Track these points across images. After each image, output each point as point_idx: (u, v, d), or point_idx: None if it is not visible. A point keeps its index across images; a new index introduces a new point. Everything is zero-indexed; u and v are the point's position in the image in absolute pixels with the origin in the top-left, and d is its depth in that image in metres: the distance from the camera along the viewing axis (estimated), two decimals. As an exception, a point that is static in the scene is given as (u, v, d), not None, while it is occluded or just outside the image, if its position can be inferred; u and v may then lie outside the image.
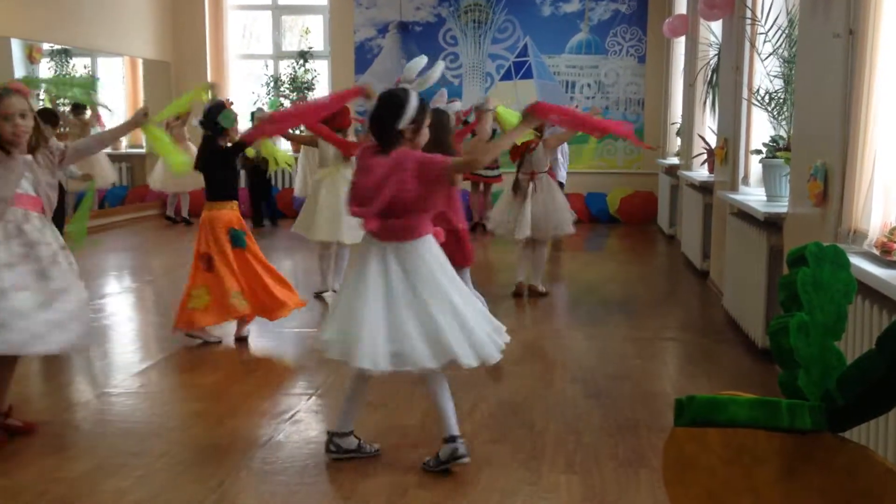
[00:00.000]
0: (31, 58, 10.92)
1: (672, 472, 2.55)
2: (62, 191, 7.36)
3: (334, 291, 6.91)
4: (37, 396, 4.74)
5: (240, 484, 3.48)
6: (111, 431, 4.09)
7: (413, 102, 3.48)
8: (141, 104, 12.49)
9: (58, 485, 3.45)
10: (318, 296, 6.96)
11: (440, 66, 3.90)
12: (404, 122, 3.46)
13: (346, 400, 3.76)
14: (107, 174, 10.96)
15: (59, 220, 7.43)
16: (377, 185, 3.40)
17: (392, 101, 3.49)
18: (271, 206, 12.17)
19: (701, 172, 8.46)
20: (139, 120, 4.36)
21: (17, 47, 10.68)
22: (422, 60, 3.82)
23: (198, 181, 6.63)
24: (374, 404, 4.36)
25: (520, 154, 6.90)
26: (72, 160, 4.13)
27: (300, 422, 4.22)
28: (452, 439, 3.58)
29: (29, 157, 3.82)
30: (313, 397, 4.60)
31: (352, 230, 6.41)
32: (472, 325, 3.49)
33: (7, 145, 3.75)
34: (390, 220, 3.44)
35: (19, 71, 10.81)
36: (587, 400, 4.54)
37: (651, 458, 3.69)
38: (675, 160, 10.67)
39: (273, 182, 12.57)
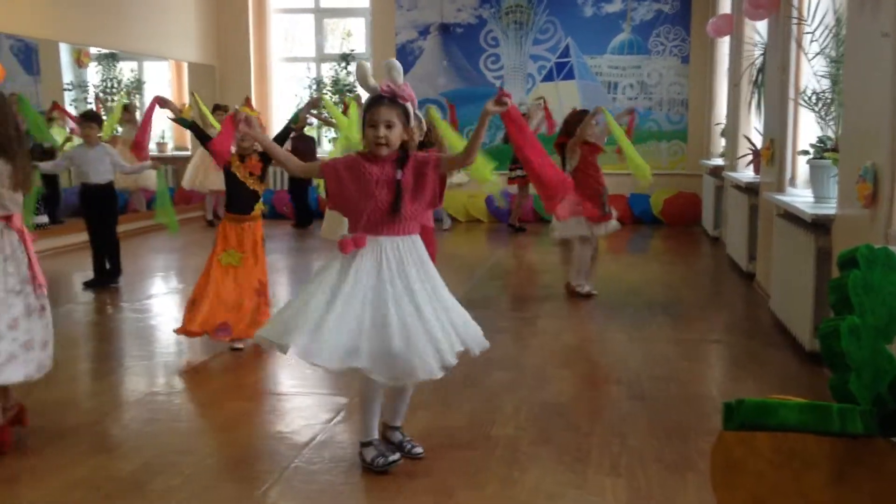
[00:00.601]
0: (80, 62, 11.12)
1: (720, 476, 2.53)
2: (112, 188, 7.51)
3: None
4: (85, 396, 4.82)
5: (285, 483, 3.51)
6: (159, 430, 4.15)
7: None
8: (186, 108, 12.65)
9: (108, 482, 3.51)
10: None
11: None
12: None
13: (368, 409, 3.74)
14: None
15: (111, 218, 7.55)
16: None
17: None
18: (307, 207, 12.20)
19: (746, 173, 8.38)
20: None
21: (65, 51, 10.88)
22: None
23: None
24: (418, 406, 4.38)
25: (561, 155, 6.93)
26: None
27: (344, 422, 4.24)
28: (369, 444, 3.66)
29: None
30: (356, 397, 4.60)
31: None
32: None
33: None
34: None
35: (67, 75, 11.01)
36: (632, 402, 4.52)
37: (697, 462, 3.67)
38: (719, 161, 10.57)
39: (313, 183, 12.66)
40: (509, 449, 3.83)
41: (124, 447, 3.94)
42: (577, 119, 7.03)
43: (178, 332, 5.45)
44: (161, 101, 5.53)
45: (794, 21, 5.99)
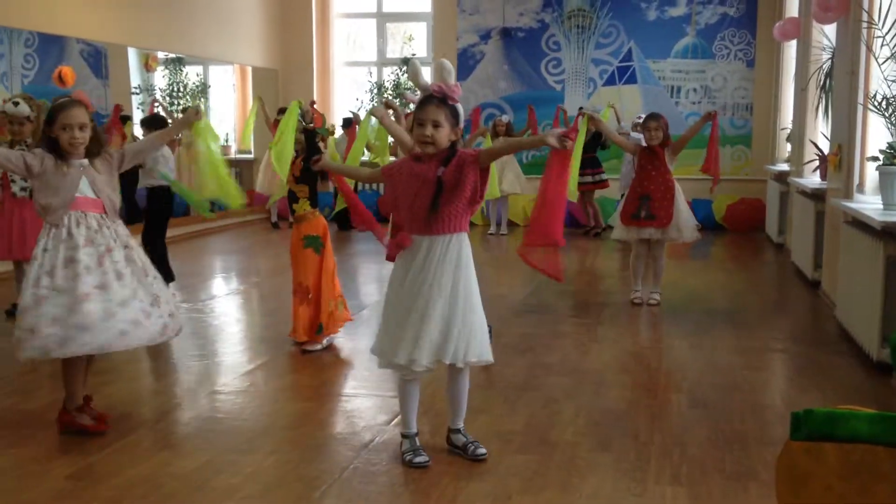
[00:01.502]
0: (147, 66, 11.35)
1: (786, 487, 2.48)
2: (168, 192, 7.56)
3: None
4: (148, 394, 4.91)
5: (344, 484, 3.53)
6: (221, 429, 4.20)
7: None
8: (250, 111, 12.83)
9: (171, 479, 3.56)
10: None
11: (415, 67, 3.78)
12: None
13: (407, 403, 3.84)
14: None
15: (163, 221, 7.57)
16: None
17: None
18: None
19: (813, 179, 8.23)
20: (190, 118, 4.39)
21: (133, 56, 11.11)
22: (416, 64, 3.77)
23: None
24: (478, 409, 4.38)
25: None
26: (131, 163, 4.30)
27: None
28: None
29: (85, 161, 4.00)
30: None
31: None
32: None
33: (64, 153, 3.96)
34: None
35: (135, 78, 11.24)
36: (693, 410, 4.46)
37: (760, 472, 3.60)
38: (784, 166, 10.39)
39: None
40: (568, 455, 3.81)
41: (186, 445, 4.00)
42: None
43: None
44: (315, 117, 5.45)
45: (865, 24, 5.86)
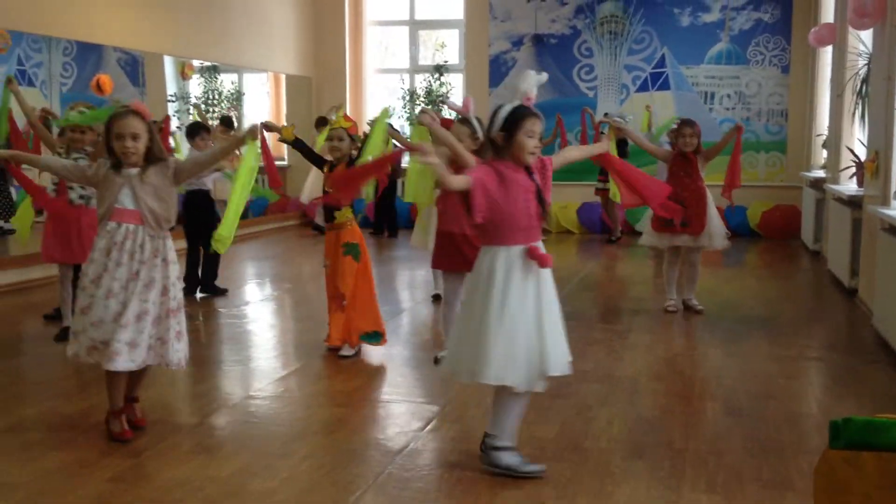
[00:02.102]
0: (183, 74, 11.47)
1: (824, 496, 2.47)
2: (209, 200, 7.65)
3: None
4: (186, 398, 4.97)
5: (379, 489, 3.55)
6: (257, 434, 4.24)
7: (501, 112, 3.65)
8: (283, 118, 12.92)
9: (209, 483, 3.60)
10: (436, 298, 7.26)
11: (529, 78, 3.84)
12: (494, 130, 3.62)
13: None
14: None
15: (208, 230, 7.59)
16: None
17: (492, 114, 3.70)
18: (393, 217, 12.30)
19: (849, 186, 8.15)
20: (253, 133, 4.33)
21: (169, 64, 11.23)
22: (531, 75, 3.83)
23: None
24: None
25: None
26: (188, 176, 4.32)
27: (436, 430, 4.27)
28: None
29: (134, 171, 4.00)
30: (448, 406, 4.65)
31: None
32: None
33: (119, 162, 4.00)
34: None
35: (171, 86, 11.37)
36: (728, 418, 4.43)
37: (797, 481, 3.58)
38: (820, 173, 10.30)
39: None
40: (601, 462, 3.80)
41: (223, 449, 4.04)
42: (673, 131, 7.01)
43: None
44: (266, 127, 5.50)
45: (902, 30, 5.81)
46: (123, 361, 3.93)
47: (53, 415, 4.49)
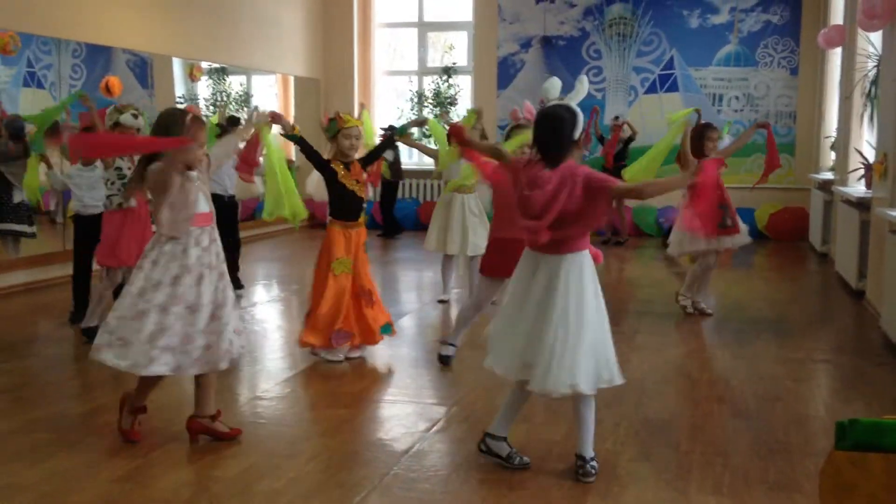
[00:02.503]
0: (192, 76, 11.49)
1: (830, 498, 2.46)
2: (233, 200, 7.62)
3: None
4: (192, 399, 4.96)
5: (384, 490, 3.55)
6: (263, 434, 4.25)
7: (580, 115, 3.65)
8: (292, 120, 12.93)
9: (215, 483, 3.61)
10: (442, 302, 7.46)
11: (585, 83, 3.90)
12: (578, 133, 3.62)
13: (504, 405, 3.85)
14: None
15: (231, 228, 7.54)
16: (549, 197, 3.48)
17: (562, 116, 3.62)
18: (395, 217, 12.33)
19: (858, 188, 8.13)
20: (261, 119, 4.34)
21: (178, 66, 11.26)
22: (556, 82, 3.88)
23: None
24: (519, 418, 4.38)
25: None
26: (217, 168, 4.27)
27: (442, 431, 4.27)
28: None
29: (195, 173, 3.91)
30: (455, 407, 4.65)
31: (476, 243, 6.98)
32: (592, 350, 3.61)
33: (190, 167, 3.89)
34: (557, 232, 3.52)
35: (180, 88, 11.39)
36: (735, 421, 4.42)
37: (803, 484, 3.57)
38: (829, 175, 10.28)
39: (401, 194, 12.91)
40: (609, 464, 3.79)
41: (230, 449, 4.04)
42: (697, 133, 6.82)
43: (301, 344, 5.54)
44: (274, 117, 5.45)
45: (911, 31, 5.80)
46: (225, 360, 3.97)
47: (62, 416, 4.50)
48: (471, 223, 7.14)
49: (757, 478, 3.66)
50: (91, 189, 6.28)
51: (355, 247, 5.51)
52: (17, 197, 7.62)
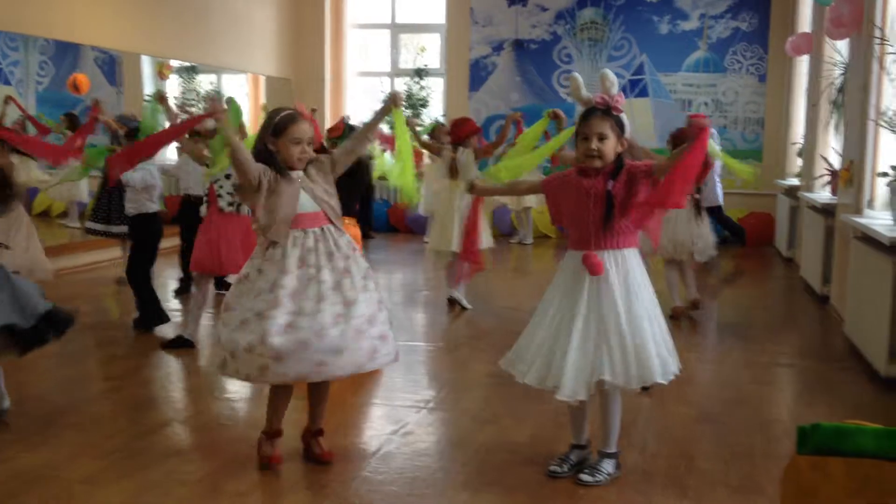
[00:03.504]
0: (161, 74, 11.41)
1: (791, 502, 2.49)
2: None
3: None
4: (159, 400, 4.94)
5: (352, 493, 3.55)
6: (230, 436, 4.23)
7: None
8: (261, 121, 12.86)
9: (180, 486, 3.59)
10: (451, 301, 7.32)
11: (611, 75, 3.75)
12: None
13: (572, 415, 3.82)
14: None
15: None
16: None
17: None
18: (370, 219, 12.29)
19: (823, 194, 8.23)
20: (395, 101, 4.03)
21: (147, 64, 11.18)
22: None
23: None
24: (486, 420, 4.40)
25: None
26: (345, 163, 3.90)
27: (411, 434, 4.27)
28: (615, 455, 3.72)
29: (301, 172, 3.74)
30: (424, 410, 4.65)
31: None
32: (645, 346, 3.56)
33: (285, 167, 3.72)
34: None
35: (149, 86, 11.30)
36: (700, 424, 4.46)
37: (766, 487, 3.61)
38: (795, 181, 10.39)
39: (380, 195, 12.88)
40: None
41: (196, 452, 4.02)
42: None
43: None
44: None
45: (877, 40, 5.87)
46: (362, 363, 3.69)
47: (24, 416, 4.45)
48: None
49: (720, 481, 3.69)
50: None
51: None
52: None
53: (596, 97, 3.54)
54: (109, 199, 7.80)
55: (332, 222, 3.76)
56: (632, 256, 3.60)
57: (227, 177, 5.65)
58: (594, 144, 3.47)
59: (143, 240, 6.33)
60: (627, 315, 3.52)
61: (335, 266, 3.68)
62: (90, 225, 7.96)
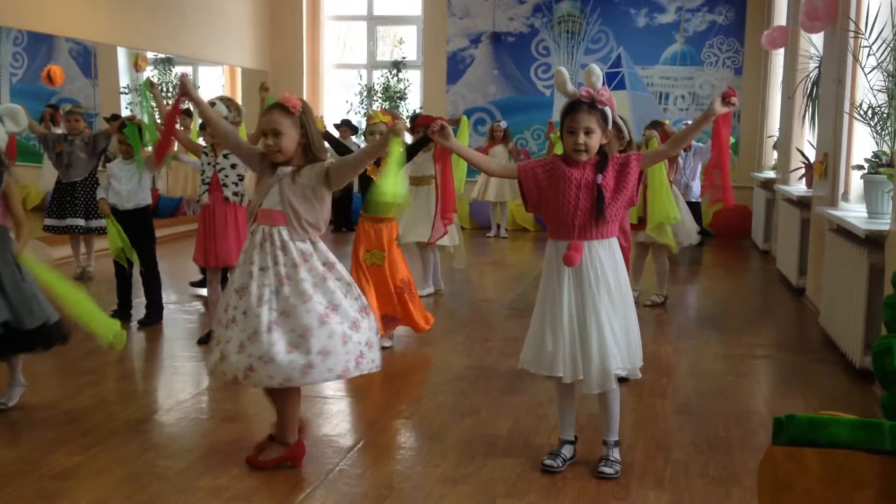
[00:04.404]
0: (137, 66, 11.27)
1: (767, 493, 2.51)
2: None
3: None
4: (136, 394, 4.92)
5: (330, 486, 3.54)
6: (207, 430, 4.21)
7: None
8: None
9: (157, 480, 3.57)
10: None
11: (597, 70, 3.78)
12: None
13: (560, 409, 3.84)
14: None
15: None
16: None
17: None
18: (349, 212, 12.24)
19: (798, 187, 8.29)
20: (395, 131, 3.64)
21: (122, 55, 11.08)
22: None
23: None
24: (463, 412, 4.41)
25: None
26: (342, 180, 3.68)
27: (387, 429, 4.28)
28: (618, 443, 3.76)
29: (288, 169, 3.60)
30: (403, 404, 4.65)
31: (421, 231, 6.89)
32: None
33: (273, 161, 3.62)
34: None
35: (124, 78, 11.21)
36: (677, 416, 4.48)
37: (743, 477, 3.63)
38: (771, 174, 10.46)
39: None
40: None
41: (172, 446, 4.00)
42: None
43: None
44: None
45: (851, 34, 5.91)
46: (325, 373, 3.53)
47: (-1, 411, 4.42)
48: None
49: (697, 472, 3.71)
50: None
51: (388, 241, 5.55)
52: None
53: (581, 91, 3.56)
54: (62, 193, 7.77)
55: (289, 226, 3.58)
56: (615, 245, 3.64)
57: (234, 166, 5.61)
58: (581, 139, 3.48)
59: (144, 233, 6.30)
60: (622, 305, 3.59)
61: (277, 271, 3.55)
62: (48, 222, 7.89)
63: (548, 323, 3.61)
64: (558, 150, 5.14)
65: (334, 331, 3.51)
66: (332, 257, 3.66)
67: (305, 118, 3.59)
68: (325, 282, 3.57)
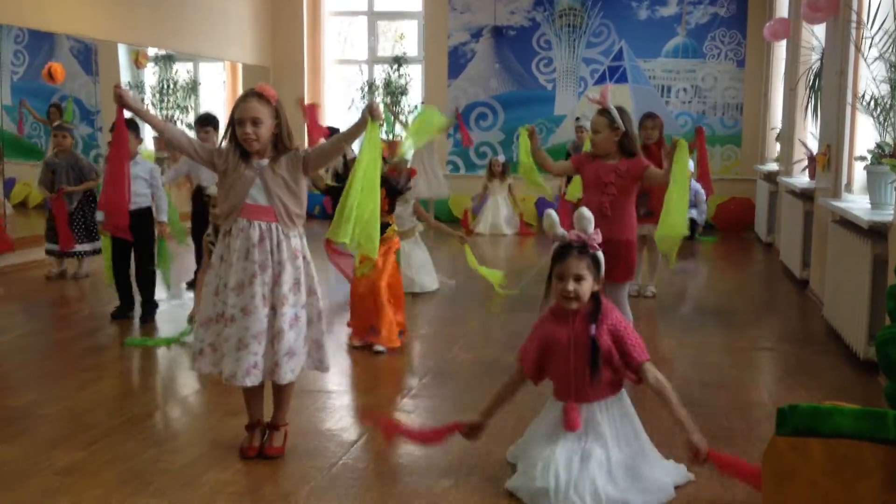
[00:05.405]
0: (137, 62, 11.31)
1: (771, 483, 2.50)
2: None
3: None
4: (138, 390, 4.92)
5: (333, 480, 3.54)
6: (210, 425, 4.21)
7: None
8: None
9: (160, 475, 3.56)
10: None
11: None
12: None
13: None
14: None
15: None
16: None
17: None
18: None
19: (801, 179, 8.27)
20: (373, 113, 3.59)
21: (123, 52, 11.07)
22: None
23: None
24: (466, 406, 4.40)
25: None
26: (318, 166, 3.75)
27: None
28: None
29: (264, 162, 3.60)
30: (406, 398, 4.65)
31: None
32: None
33: (245, 152, 3.60)
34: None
35: (125, 75, 11.20)
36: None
37: (747, 469, 3.62)
38: (774, 166, 10.44)
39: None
40: (556, 452, 3.81)
41: (175, 441, 4.00)
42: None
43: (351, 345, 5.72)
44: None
45: (853, 25, 5.89)
46: (288, 373, 3.65)
47: (1, 407, 4.42)
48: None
49: (701, 464, 3.70)
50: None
51: (384, 252, 5.55)
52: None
53: (571, 234, 3.34)
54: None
55: (279, 221, 3.60)
56: (624, 399, 3.48)
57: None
58: (571, 286, 3.27)
59: (144, 233, 6.30)
60: (631, 458, 3.39)
61: (274, 269, 3.60)
62: (49, 247, 7.90)
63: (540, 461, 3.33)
64: (523, 155, 5.19)
65: (300, 333, 3.67)
66: (308, 254, 3.72)
67: (280, 108, 3.60)
68: (298, 283, 3.65)
